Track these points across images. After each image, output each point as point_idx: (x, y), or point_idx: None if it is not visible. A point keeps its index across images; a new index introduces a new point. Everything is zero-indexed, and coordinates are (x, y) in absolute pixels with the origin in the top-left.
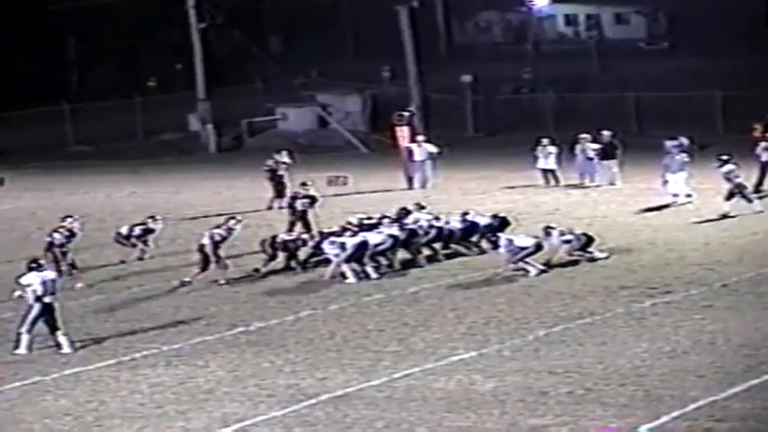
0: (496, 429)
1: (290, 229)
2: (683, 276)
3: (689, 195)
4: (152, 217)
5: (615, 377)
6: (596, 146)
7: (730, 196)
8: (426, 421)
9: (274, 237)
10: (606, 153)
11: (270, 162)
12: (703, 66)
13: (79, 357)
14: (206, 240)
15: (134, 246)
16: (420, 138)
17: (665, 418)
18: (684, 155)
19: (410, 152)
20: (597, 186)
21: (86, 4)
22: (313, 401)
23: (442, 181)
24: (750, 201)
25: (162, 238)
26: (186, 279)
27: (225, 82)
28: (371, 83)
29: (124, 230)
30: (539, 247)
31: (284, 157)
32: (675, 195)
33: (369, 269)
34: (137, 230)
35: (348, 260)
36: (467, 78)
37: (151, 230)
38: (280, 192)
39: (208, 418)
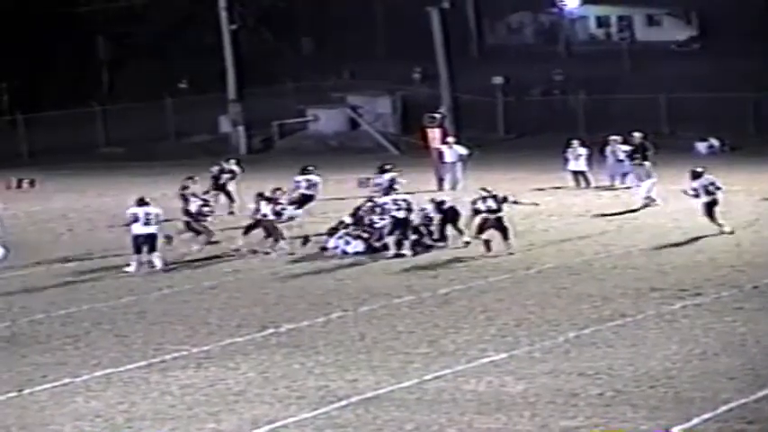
0: (527, 431)
1: (247, 233)
2: (713, 278)
3: (652, 199)
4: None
5: (646, 379)
6: (627, 147)
7: (710, 211)
8: (457, 423)
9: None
10: (637, 155)
11: (214, 169)
12: (735, 67)
13: (110, 359)
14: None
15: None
16: (450, 139)
17: (695, 420)
18: (648, 163)
19: (440, 154)
20: (628, 188)
21: (117, 5)
22: (343, 403)
23: (473, 182)
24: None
25: (193, 240)
26: (267, 249)
27: (256, 83)
28: (402, 84)
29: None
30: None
31: (231, 165)
32: (647, 199)
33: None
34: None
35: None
36: (498, 80)
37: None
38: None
39: (238, 419)
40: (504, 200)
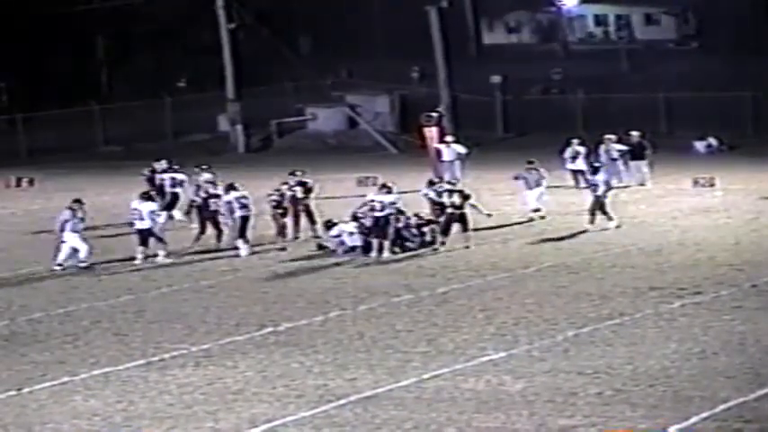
0: (525, 430)
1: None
2: (712, 277)
3: (537, 210)
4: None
5: (644, 378)
6: (621, 146)
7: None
8: (455, 422)
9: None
10: (635, 153)
11: (146, 171)
12: (733, 66)
13: (108, 357)
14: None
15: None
16: (448, 138)
17: (694, 419)
18: (538, 174)
19: (438, 152)
20: (626, 187)
21: (116, 4)
22: (342, 402)
23: (472, 181)
24: (597, 219)
25: (190, 239)
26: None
27: (254, 82)
28: (401, 83)
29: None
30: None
31: (163, 165)
32: (529, 207)
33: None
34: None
35: None
36: (496, 79)
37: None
38: (166, 201)
39: (236, 418)
40: (467, 197)
